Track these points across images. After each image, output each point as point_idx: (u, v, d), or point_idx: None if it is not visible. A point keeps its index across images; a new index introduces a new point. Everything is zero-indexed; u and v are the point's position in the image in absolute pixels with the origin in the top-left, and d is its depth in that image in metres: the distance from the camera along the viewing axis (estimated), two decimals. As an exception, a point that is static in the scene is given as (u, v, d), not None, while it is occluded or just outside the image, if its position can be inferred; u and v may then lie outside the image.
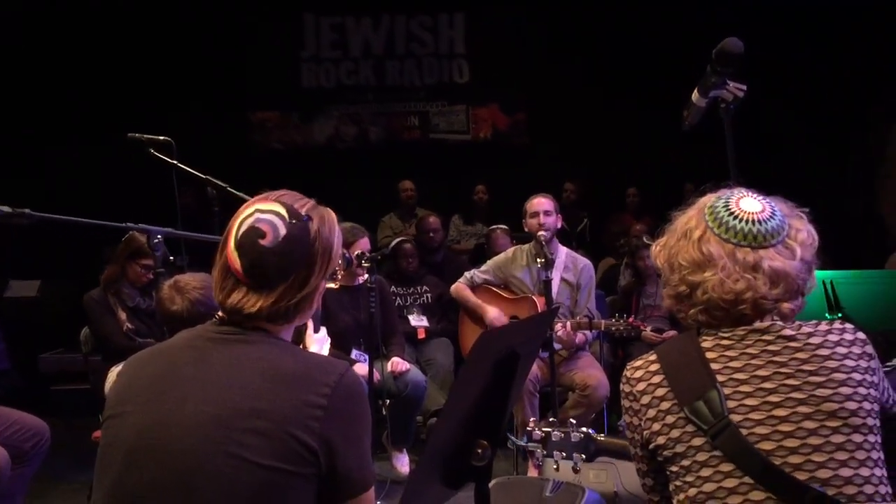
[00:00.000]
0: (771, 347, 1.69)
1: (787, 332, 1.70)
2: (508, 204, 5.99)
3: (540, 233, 4.75)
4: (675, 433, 1.70)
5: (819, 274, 1.80)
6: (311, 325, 2.74)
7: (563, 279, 4.96)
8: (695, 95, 2.54)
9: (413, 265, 6.12)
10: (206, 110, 8.33)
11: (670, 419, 1.71)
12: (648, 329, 5.21)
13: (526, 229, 4.98)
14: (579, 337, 4.82)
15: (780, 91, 7.54)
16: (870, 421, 1.65)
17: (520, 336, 1.89)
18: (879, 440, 1.67)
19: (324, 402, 1.54)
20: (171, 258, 3.25)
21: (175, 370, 1.61)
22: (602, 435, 2.42)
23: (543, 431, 2.43)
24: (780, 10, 7.96)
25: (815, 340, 1.69)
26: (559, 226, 4.97)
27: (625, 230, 7.65)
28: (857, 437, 1.63)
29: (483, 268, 5.25)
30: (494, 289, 5.14)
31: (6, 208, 2.74)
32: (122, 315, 4.35)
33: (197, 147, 4.37)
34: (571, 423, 2.43)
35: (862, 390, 1.66)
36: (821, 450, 1.61)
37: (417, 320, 5.91)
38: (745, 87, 2.47)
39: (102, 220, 3.12)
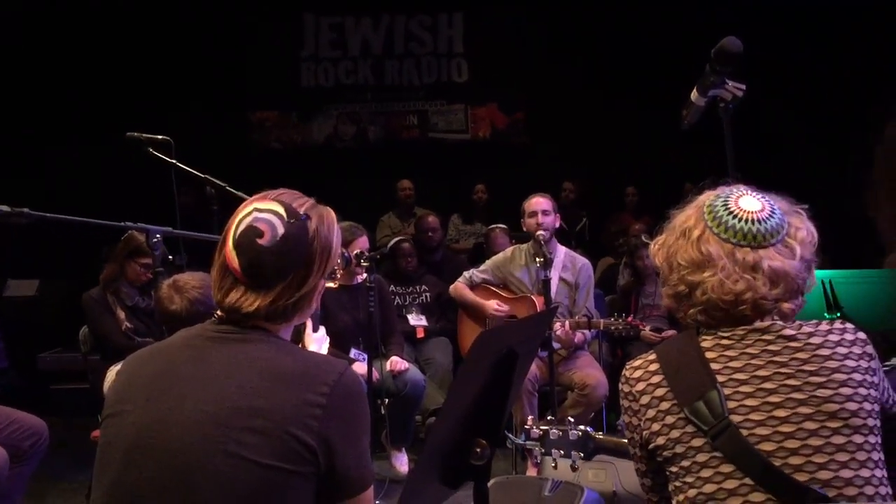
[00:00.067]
0: (771, 347, 1.68)
1: (788, 331, 1.69)
2: (507, 203, 5.99)
3: (538, 232, 4.75)
4: (674, 434, 1.69)
5: (818, 273, 1.79)
6: (309, 324, 2.74)
7: (561, 279, 4.96)
8: (694, 95, 2.54)
9: (412, 264, 6.12)
10: (206, 110, 8.33)
11: (670, 419, 1.70)
12: (647, 328, 5.21)
13: (524, 229, 4.98)
14: (578, 336, 4.83)
15: (780, 91, 7.53)
16: (870, 422, 1.64)
17: (518, 335, 1.89)
18: (880, 441, 1.66)
19: (323, 401, 1.54)
20: (170, 257, 3.24)
21: (174, 369, 1.61)
22: (600, 433, 2.42)
23: (541, 430, 2.42)
24: (780, 10, 7.96)
25: (815, 340, 1.68)
26: (557, 225, 4.97)
27: (624, 230, 7.66)
28: (858, 439, 1.62)
29: (482, 267, 5.25)
30: (493, 288, 5.14)
31: (5, 207, 2.74)
32: (121, 314, 4.35)
33: (196, 146, 4.37)
34: (569, 421, 2.42)
35: (862, 391, 1.65)
36: (822, 451, 1.60)
37: (416, 319, 5.91)
38: (744, 87, 2.46)
39: (102, 219, 3.12)
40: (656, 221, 1.93)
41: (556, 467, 2.44)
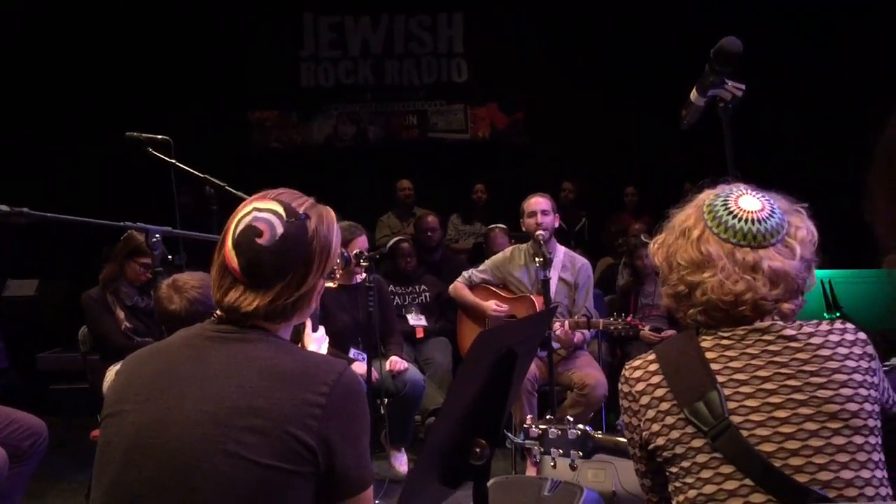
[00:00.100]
0: (772, 348, 1.67)
1: (788, 332, 1.68)
2: (507, 203, 5.99)
3: (538, 232, 4.75)
4: (674, 434, 1.69)
5: (817, 273, 1.79)
6: (309, 323, 2.74)
7: (560, 278, 4.96)
8: (693, 94, 2.54)
9: (411, 264, 6.12)
10: (205, 110, 8.34)
11: (670, 420, 1.70)
12: (647, 328, 5.21)
13: (524, 229, 4.98)
14: (578, 336, 4.83)
15: (780, 91, 7.53)
16: (871, 422, 1.64)
17: (518, 335, 1.88)
18: (880, 441, 1.65)
19: (322, 400, 1.54)
20: (170, 257, 3.25)
21: (173, 369, 1.61)
22: (599, 432, 2.41)
23: (540, 429, 2.42)
24: (780, 10, 7.96)
25: (816, 341, 1.68)
26: (557, 225, 4.97)
27: (623, 229, 7.66)
28: (859, 439, 1.62)
29: (481, 267, 5.25)
30: (493, 288, 5.14)
31: (4, 207, 2.74)
32: (121, 314, 4.35)
33: (196, 146, 4.37)
34: (568, 420, 2.42)
35: (863, 391, 1.64)
36: (822, 452, 1.60)
37: (416, 319, 5.91)
38: (743, 87, 2.46)
39: (101, 219, 3.12)
40: (656, 221, 1.93)
41: (554, 466, 2.44)
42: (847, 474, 1.59)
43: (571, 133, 8.68)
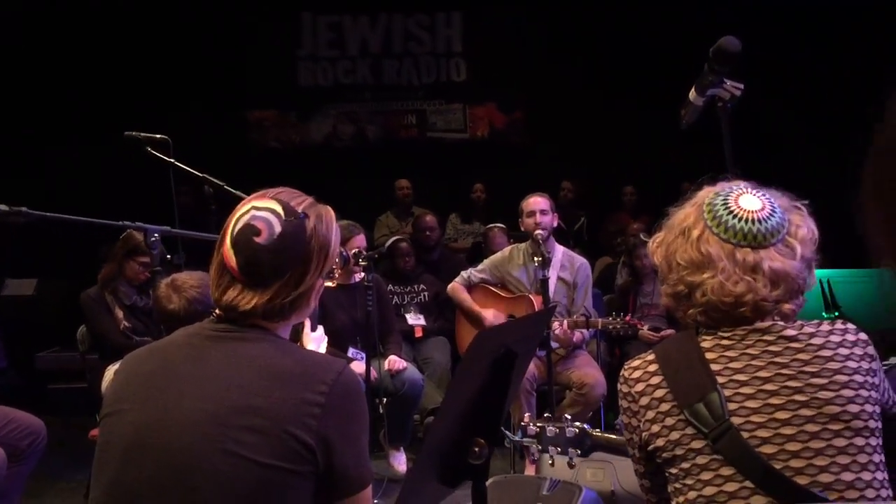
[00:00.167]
0: (772, 348, 1.66)
1: (789, 332, 1.67)
2: (506, 203, 5.99)
3: (536, 232, 4.75)
4: (674, 435, 1.68)
5: (816, 273, 1.78)
6: (308, 323, 2.74)
7: (559, 278, 4.96)
8: (692, 94, 2.53)
9: (410, 264, 6.12)
10: (204, 109, 8.33)
11: (670, 421, 1.68)
12: (645, 328, 5.21)
13: (522, 228, 4.98)
14: (577, 335, 4.83)
15: (780, 91, 7.53)
16: (871, 424, 1.62)
17: (517, 334, 1.88)
18: (881, 443, 1.64)
19: (321, 399, 1.54)
20: (169, 256, 3.25)
21: (172, 368, 1.61)
22: (597, 430, 2.41)
23: (538, 426, 2.42)
24: (780, 10, 7.96)
25: (817, 341, 1.66)
26: (555, 224, 4.97)
27: (622, 229, 7.66)
28: (859, 441, 1.60)
29: (479, 267, 5.25)
30: (491, 288, 5.14)
31: (3, 207, 2.74)
32: (119, 313, 4.35)
33: (195, 146, 4.37)
34: (566, 418, 2.41)
35: (864, 393, 1.63)
36: (823, 453, 1.59)
37: (414, 319, 5.90)
38: (742, 86, 2.45)
39: (101, 218, 3.12)
40: (654, 221, 1.91)
41: (552, 464, 2.43)
42: (848, 476, 1.58)
43: (570, 132, 8.68)
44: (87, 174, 7.70)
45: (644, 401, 1.74)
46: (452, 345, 5.71)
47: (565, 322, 4.72)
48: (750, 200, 1.73)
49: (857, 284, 3.18)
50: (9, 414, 3.56)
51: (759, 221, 1.70)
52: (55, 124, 7.96)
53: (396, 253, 6.10)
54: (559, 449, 2.37)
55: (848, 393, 1.62)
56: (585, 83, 8.78)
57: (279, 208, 1.64)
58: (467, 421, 1.71)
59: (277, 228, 1.62)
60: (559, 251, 5.06)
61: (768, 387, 1.63)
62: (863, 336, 1.70)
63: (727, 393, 1.64)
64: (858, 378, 1.64)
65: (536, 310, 4.75)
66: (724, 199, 1.75)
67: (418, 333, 5.84)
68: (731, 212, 1.72)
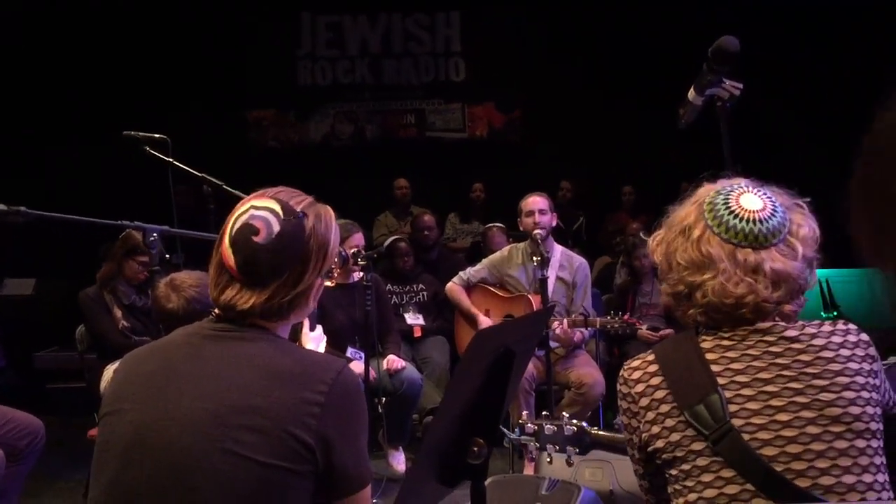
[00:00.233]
0: (773, 349, 1.64)
1: (790, 333, 1.65)
2: (505, 202, 5.99)
3: (535, 231, 4.75)
4: (674, 437, 1.66)
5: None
6: (307, 323, 2.73)
7: (558, 277, 4.96)
8: (691, 94, 2.53)
9: (408, 263, 6.12)
10: (204, 109, 8.34)
11: (670, 422, 1.67)
12: (644, 327, 5.21)
13: (521, 228, 4.97)
14: (577, 335, 4.83)
15: (780, 91, 7.54)
16: (873, 426, 1.61)
17: (516, 334, 1.88)
18: (882, 445, 1.63)
19: (321, 399, 1.54)
20: (167, 256, 3.24)
21: (171, 367, 1.61)
22: (596, 428, 2.40)
23: (536, 425, 2.41)
24: (780, 10, 7.96)
25: (818, 342, 1.65)
26: (554, 224, 4.96)
27: (621, 229, 7.67)
28: (860, 443, 1.59)
29: (478, 266, 5.24)
30: (490, 288, 5.14)
31: (2, 206, 2.74)
32: (118, 313, 4.35)
33: (195, 145, 4.37)
34: (564, 416, 2.40)
35: (865, 394, 1.62)
36: (824, 456, 1.57)
37: (413, 318, 5.90)
38: (741, 86, 2.45)
39: (100, 218, 3.12)
40: (653, 220, 1.89)
41: (550, 462, 2.43)
42: (849, 479, 1.57)
43: (569, 132, 8.68)
44: (87, 174, 7.70)
45: (644, 402, 1.72)
46: (451, 344, 5.71)
47: (566, 321, 4.72)
48: (751, 200, 1.71)
49: (856, 284, 3.18)
50: (7, 413, 3.56)
51: (761, 221, 1.68)
52: (55, 124, 7.97)
53: (395, 252, 6.09)
54: (557, 447, 2.36)
55: (849, 395, 1.61)
56: (584, 83, 8.78)
57: (278, 208, 1.64)
58: (466, 420, 1.71)
59: (276, 228, 1.62)
60: (558, 251, 5.05)
61: (770, 388, 1.62)
62: (864, 337, 1.69)
63: (728, 394, 1.63)
64: (860, 380, 1.63)
65: (535, 309, 4.75)
66: (724, 198, 1.73)
67: (417, 333, 5.85)
68: (732, 211, 1.70)
